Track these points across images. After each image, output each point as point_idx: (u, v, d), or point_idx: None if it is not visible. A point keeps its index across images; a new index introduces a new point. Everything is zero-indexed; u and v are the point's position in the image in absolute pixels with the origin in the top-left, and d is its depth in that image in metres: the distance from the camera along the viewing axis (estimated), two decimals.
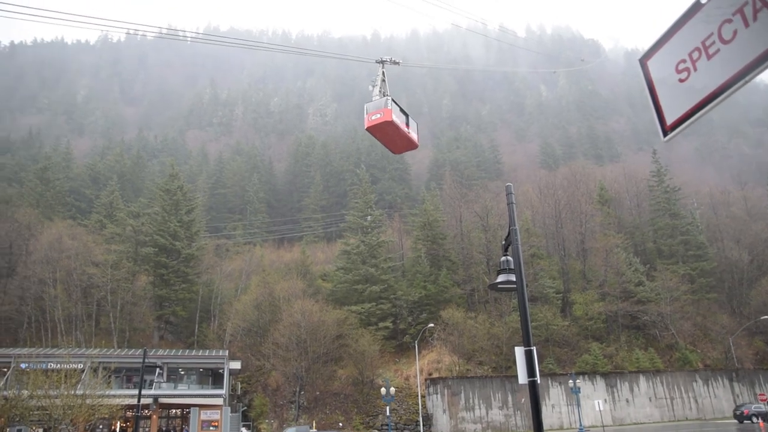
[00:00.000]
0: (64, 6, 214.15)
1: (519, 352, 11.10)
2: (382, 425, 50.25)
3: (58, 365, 37.89)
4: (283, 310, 57.87)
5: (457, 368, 54.55)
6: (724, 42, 3.05)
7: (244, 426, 50.08)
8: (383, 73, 21.70)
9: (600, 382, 54.43)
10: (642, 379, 55.64)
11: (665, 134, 3.35)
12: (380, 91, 21.12)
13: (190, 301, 64.17)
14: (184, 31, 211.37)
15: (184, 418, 47.11)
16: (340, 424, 50.44)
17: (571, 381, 46.69)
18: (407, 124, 21.35)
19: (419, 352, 55.14)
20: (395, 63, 22.29)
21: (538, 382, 10.75)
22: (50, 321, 57.65)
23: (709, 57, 3.15)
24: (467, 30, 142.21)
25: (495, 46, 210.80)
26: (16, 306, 58.59)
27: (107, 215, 79.38)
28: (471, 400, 51.60)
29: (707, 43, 3.15)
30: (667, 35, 3.40)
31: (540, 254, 65.97)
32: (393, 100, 20.51)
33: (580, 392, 46.79)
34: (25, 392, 32.31)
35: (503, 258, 12.45)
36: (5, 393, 33.85)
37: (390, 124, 20.17)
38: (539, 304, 58.76)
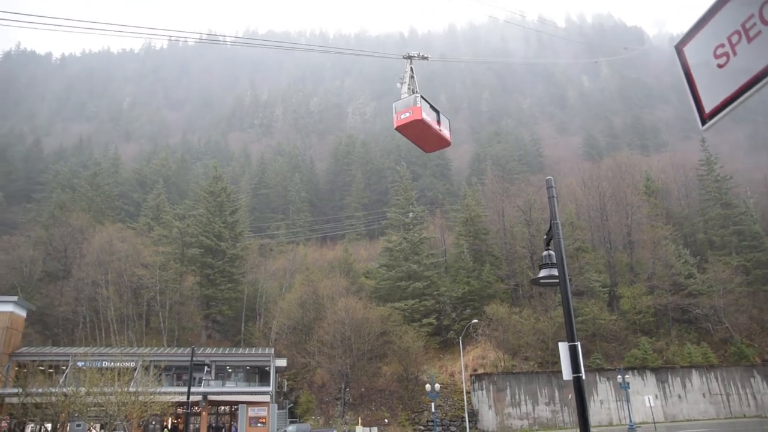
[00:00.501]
0: (110, 17, 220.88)
1: (563, 347, 10.91)
2: (427, 421, 50.19)
3: (112, 363, 39.18)
4: (327, 307, 58.38)
5: (503, 364, 54.05)
6: (767, 23, 2.93)
7: (290, 422, 50.76)
8: (411, 69, 20.90)
9: (650, 378, 52.98)
10: (695, 375, 53.88)
11: (704, 123, 3.23)
12: (409, 88, 20.33)
13: (236, 301, 65.33)
14: (224, 36, 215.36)
15: (233, 415, 48.07)
16: (386, 421, 50.61)
17: (619, 376, 45.67)
18: (438, 122, 20.52)
19: (463, 348, 54.81)
20: (424, 58, 21.44)
21: (583, 377, 10.54)
22: (103, 321, 59.65)
23: (749, 40, 3.02)
24: (505, 23, 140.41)
25: (534, 38, 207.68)
26: (72, 307, 60.84)
27: (154, 218, 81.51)
28: (517, 396, 51.03)
29: (747, 26, 3.02)
30: (704, 19, 3.27)
31: (585, 248, 64.72)
32: (422, 97, 19.73)
33: (629, 388, 45.73)
34: (83, 389, 33.51)
35: (545, 252, 12.30)
36: (65, 390, 35.18)
37: (420, 123, 19.36)
38: (585, 298, 57.71)
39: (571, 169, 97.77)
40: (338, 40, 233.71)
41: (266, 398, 47.19)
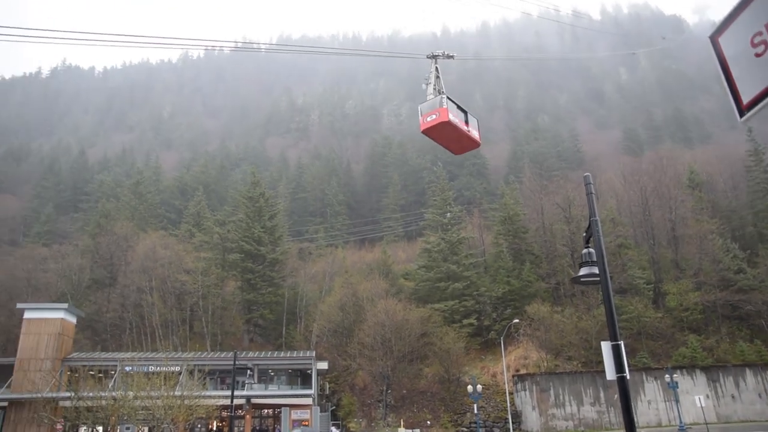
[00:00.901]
0: (148, 30, 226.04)
1: (605, 346, 10.71)
2: (470, 423, 49.85)
3: (158, 368, 40.16)
4: (366, 310, 58.54)
5: (545, 364, 53.31)
6: None
7: (333, 425, 51.06)
8: (437, 68, 20.16)
9: (700, 377, 51.37)
10: (749, 374, 51.86)
11: (741, 114, 3.11)
12: (435, 89, 19.61)
13: (277, 304, 66.08)
14: (258, 43, 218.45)
15: (276, 418, 48.57)
16: (428, 423, 50.45)
17: (667, 376, 44.42)
18: (466, 122, 19.76)
19: (505, 349, 54.26)
20: (449, 57, 20.70)
21: (628, 377, 10.31)
22: (149, 326, 61.11)
23: None
24: (539, 18, 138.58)
25: (569, 32, 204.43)
26: (119, 313, 62.56)
27: (195, 224, 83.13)
28: (561, 397, 50.23)
29: None
30: (739, 8, 3.15)
31: (627, 244, 63.32)
32: (448, 98, 18.99)
33: (678, 387, 44.42)
34: (131, 393, 34.41)
35: (585, 250, 12.10)
36: (114, 394, 36.18)
37: (447, 125, 18.68)
38: (629, 295, 56.47)
39: (610, 164, 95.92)
40: (371, 42, 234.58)
41: (308, 401, 47.58)
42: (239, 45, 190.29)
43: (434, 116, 18.76)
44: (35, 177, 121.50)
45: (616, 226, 62.89)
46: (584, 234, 12.40)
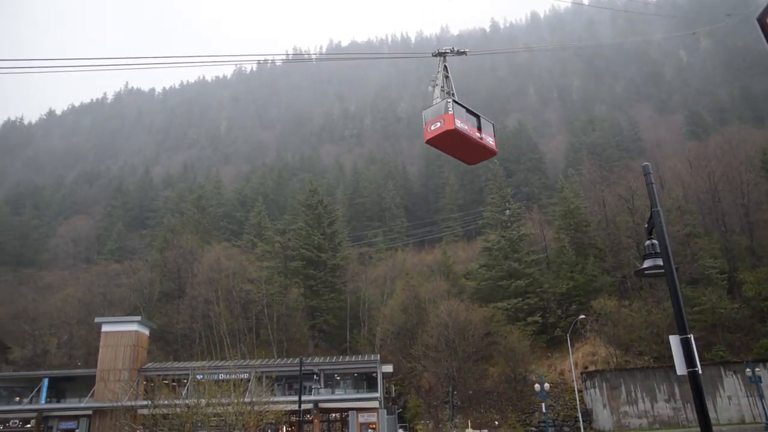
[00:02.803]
0: (201, 50, 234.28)
1: (674, 341, 10.36)
2: (539, 422, 48.94)
3: (227, 376, 41.33)
4: (429, 311, 58.42)
5: (615, 360, 51.81)
6: None
7: (400, 427, 51.18)
8: (445, 67, 17.93)
9: None
10: None
11: None
12: (443, 91, 17.46)
13: (340, 309, 66.82)
14: (309, 53, 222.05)
15: (344, 422, 49.08)
16: (496, 423, 49.84)
17: (748, 369, 42.26)
18: (478, 128, 17.41)
19: (572, 346, 52.98)
20: (461, 53, 18.30)
21: (700, 372, 9.94)
22: (217, 336, 62.96)
23: None
24: (590, 5, 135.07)
25: (622, 17, 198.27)
26: (188, 324, 64.74)
27: (257, 234, 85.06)
28: (633, 394, 48.66)
29: None
30: None
31: (696, 233, 60.77)
32: (455, 101, 16.79)
33: (761, 382, 42.07)
34: (203, 401, 35.52)
35: (648, 242, 11.79)
36: (187, 402, 37.45)
37: (453, 133, 16.33)
38: (701, 286, 54.19)
39: (674, 151, 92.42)
40: (421, 43, 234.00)
41: (375, 404, 47.87)
42: (290, 56, 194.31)
43: (438, 124, 16.56)
44: (105, 197, 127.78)
45: (683, 214, 60.52)
46: (646, 225, 12.06)
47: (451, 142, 16.93)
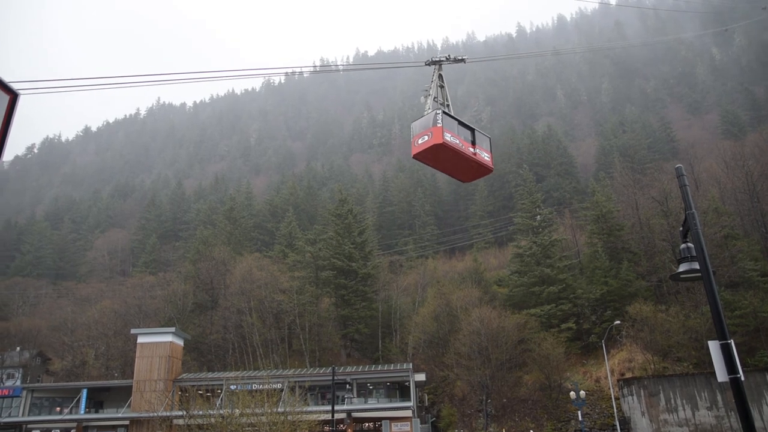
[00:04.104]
0: (230, 64, 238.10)
1: (713, 346, 10.03)
2: (575, 431, 48.02)
3: (261, 386, 41.59)
4: (461, 319, 57.92)
5: (652, 366, 50.57)
6: None
7: None
8: (440, 76, 16.76)
9: None
10: None
11: None
12: (436, 102, 16.42)
13: (372, 318, 66.75)
14: (336, 64, 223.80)
15: (377, 431, 48.93)
16: (531, 431, 49.10)
17: None
18: (472, 142, 16.10)
19: (607, 352, 51.99)
20: (458, 61, 17.09)
21: (742, 378, 9.61)
22: (250, 346, 63.49)
23: None
24: (617, 5, 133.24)
25: (652, 15, 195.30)
26: (221, 334, 65.43)
27: (288, 245, 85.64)
28: (672, 401, 47.38)
29: None
30: None
31: (735, 234, 59.13)
32: (445, 113, 15.58)
33: None
34: (237, 411, 35.77)
35: (683, 245, 11.49)
36: (221, 412, 37.78)
37: (442, 148, 15.07)
38: (741, 289, 52.60)
39: (709, 151, 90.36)
40: (447, 50, 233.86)
41: (408, 413, 47.61)
42: (317, 68, 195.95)
43: (426, 137, 15.32)
44: (139, 210, 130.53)
45: (720, 216, 58.99)
46: (681, 228, 11.76)
47: (441, 157, 15.83)
